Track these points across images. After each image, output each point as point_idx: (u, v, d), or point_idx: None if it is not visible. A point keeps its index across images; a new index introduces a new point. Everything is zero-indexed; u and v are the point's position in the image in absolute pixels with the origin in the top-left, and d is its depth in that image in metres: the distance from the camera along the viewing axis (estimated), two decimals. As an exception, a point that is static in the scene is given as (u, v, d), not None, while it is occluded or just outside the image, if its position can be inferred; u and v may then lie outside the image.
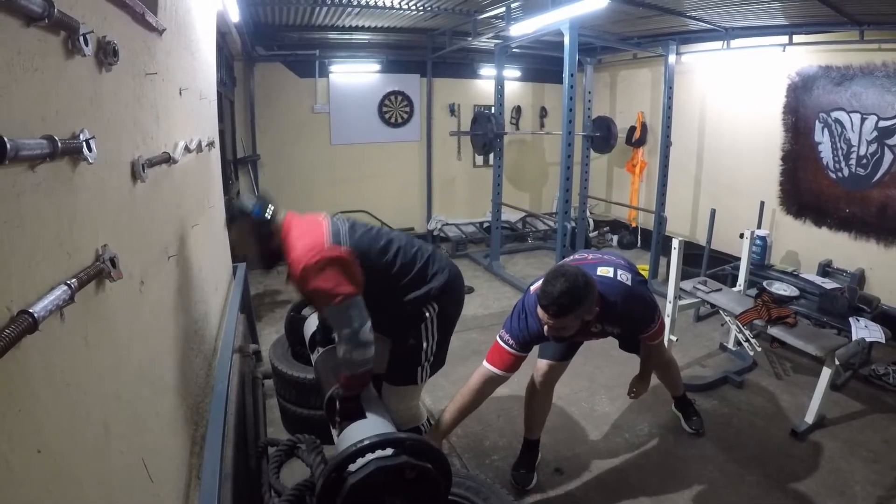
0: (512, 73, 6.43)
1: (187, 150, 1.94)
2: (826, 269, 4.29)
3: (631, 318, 2.10)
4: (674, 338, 3.20)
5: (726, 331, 3.74)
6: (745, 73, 5.06)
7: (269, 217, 1.84)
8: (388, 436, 1.54)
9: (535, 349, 2.29)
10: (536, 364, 2.42)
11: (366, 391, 1.85)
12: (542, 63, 6.51)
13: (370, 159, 6.27)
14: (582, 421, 2.93)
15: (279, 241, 1.84)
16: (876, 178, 4.05)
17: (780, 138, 4.72)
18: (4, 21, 0.73)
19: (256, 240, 1.88)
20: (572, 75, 4.19)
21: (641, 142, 6.29)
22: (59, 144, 0.82)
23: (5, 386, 0.68)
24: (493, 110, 5.73)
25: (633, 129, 6.29)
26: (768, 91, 4.78)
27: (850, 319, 3.04)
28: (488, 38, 5.34)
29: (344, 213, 2.32)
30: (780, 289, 3.33)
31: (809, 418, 2.78)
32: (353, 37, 5.59)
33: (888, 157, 3.95)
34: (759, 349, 3.22)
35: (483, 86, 6.65)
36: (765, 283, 3.39)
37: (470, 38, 5.20)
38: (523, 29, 4.31)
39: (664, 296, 3.28)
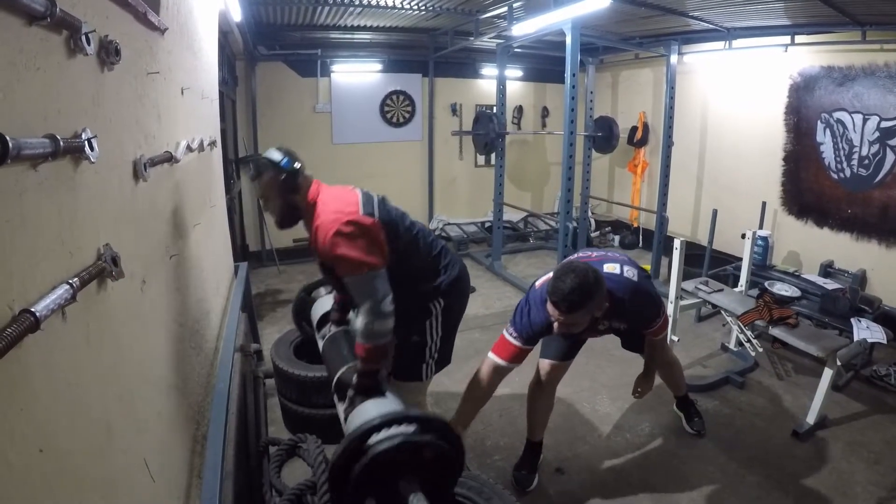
0: (514, 72, 6.43)
1: (189, 149, 1.94)
2: (827, 270, 4.29)
3: (638, 313, 2.12)
4: (675, 338, 3.19)
5: (728, 331, 3.74)
6: (747, 73, 5.05)
7: (296, 168, 1.82)
8: (416, 412, 1.50)
9: (537, 350, 2.29)
10: (539, 364, 2.42)
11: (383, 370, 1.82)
12: (543, 63, 6.51)
13: (372, 159, 6.27)
14: (583, 421, 2.93)
15: (303, 201, 1.83)
16: (878, 179, 4.04)
17: (782, 139, 4.71)
18: (7, 20, 0.73)
19: (280, 193, 1.83)
20: (574, 75, 4.18)
21: (643, 142, 6.29)
22: (61, 143, 0.83)
23: (7, 385, 0.68)
24: (494, 110, 5.72)
25: (634, 129, 6.29)
26: (770, 91, 4.77)
27: (852, 320, 3.04)
28: (490, 38, 5.33)
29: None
30: (782, 289, 3.33)
31: (811, 419, 2.78)
32: (355, 36, 5.59)
33: (890, 157, 3.94)
34: (760, 350, 3.21)
35: (485, 85, 6.65)
36: (766, 284, 3.38)
37: (472, 38, 5.19)
38: (525, 29, 4.30)
39: (666, 296, 3.27)
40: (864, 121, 4.06)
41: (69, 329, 0.86)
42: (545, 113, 7.16)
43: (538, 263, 6.04)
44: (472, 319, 4.02)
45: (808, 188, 4.58)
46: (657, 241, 5.23)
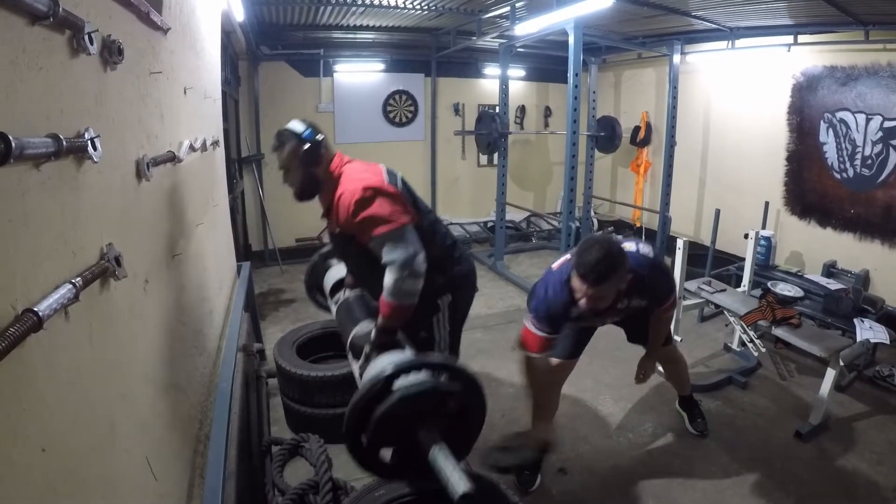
0: (516, 72, 6.42)
1: (192, 148, 1.94)
2: (830, 270, 4.27)
3: (657, 288, 2.17)
4: (678, 338, 3.19)
5: (731, 331, 3.73)
6: (749, 73, 5.04)
7: (318, 140, 1.83)
8: (447, 360, 1.47)
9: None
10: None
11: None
12: (546, 63, 6.51)
13: (374, 159, 6.04)
14: (586, 421, 2.92)
15: (324, 173, 1.84)
16: (881, 179, 4.02)
17: (785, 138, 4.69)
18: (9, 19, 0.74)
19: (302, 164, 1.83)
20: (577, 75, 4.18)
21: (646, 142, 6.27)
22: (64, 143, 0.83)
23: (10, 384, 0.68)
24: (497, 110, 5.72)
25: (637, 128, 6.28)
26: (773, 91, 4.76)
27: (855, 320, 3.03)
28: (493, 38, 5.33)
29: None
30: (785, 289, 3.32)
31: (814, 419, 2.76)
32: (358, 36, 5.59)
33: (893, 157, 3.93)
34: (763, 350, 3.20)
35: (487, 85, 6.65)
36: (769, 284, 3.37)
37: (474, 38, 5.19)
38: (528, 28, 4.30)
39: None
40: (867, 121, 4.05)
41: (72, 329, 0.86)
42: (548, 113, 7.15)
43: (541, 263, 6.03)
44: (475, 319, 4.01)
45: (811, 188, 4.56)
46: (660, 241, 5.23)
